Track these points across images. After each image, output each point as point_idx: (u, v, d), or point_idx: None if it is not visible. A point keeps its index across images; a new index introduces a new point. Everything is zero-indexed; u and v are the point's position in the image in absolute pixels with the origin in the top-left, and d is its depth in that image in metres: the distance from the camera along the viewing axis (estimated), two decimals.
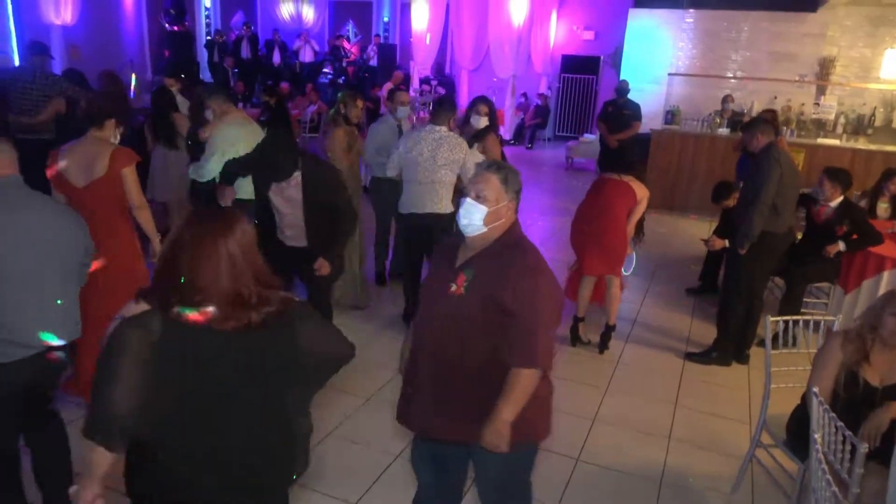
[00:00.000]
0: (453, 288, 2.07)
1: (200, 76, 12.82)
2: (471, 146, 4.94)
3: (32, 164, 3.32)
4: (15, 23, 10.39)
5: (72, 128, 3.44)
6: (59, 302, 2.36)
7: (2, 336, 2.19)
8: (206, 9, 14.40)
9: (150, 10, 12.80)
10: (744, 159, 6.57)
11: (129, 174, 3.30)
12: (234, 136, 4.30)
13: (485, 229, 2.08)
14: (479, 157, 4.90)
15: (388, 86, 10.88)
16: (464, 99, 12.70)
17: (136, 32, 12.73)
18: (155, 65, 12.48)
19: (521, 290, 2.00)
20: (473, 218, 2.07)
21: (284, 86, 12.19)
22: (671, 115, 9.68)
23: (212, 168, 4.39)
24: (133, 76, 10.22)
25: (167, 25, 12.47)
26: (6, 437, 2.37)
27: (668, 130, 9.28)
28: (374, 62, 15.00)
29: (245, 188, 4.43)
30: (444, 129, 4.42)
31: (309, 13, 16.21)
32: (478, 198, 2.07)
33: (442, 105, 4.64)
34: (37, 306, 2.27)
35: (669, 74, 10.37)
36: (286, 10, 16.14)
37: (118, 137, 3.44)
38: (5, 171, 2.22)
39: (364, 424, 3.56)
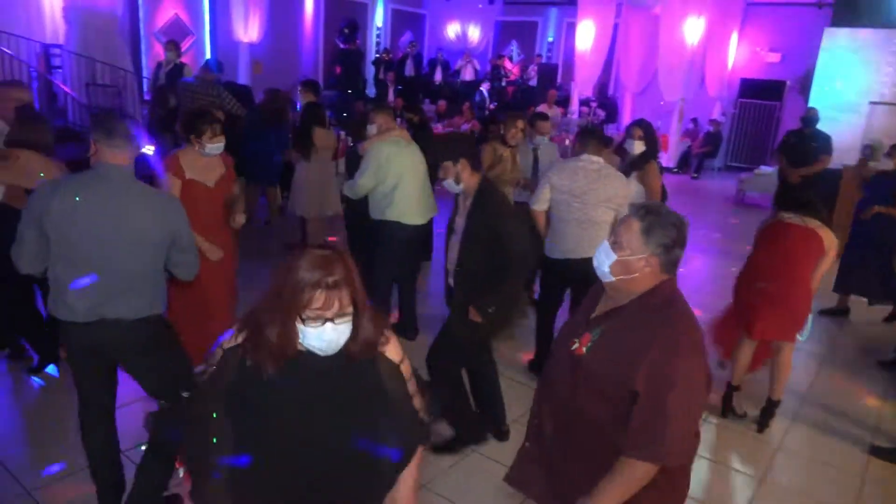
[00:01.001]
0: (576, 345, 1.84)
1: (366, 92, 13.40)
2: (627, 175, 4.40)
3: None
4: (210, 39, 11.58)
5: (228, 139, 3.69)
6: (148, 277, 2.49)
7: (64, 299, 2.40)
8: (378, 28, 15.03)
9: (327, 30, 13.64)
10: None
11: (170, 188, 3.39)
12: (388, 154, 4.22)
13: (612, 279, 1.82)
14: (638, 188, 4.37)
15: (544, 106, 10.51)
16: (626, 122, 12.00)
17: (312, 50, 13.64)
18: (326, 80, 13.21)
19: (658, 372, 1.65)
20: (602, 263, 1.84)
21: (442, 104, 12.29)
22: (870, 150, 8.29)
23: (364, 184, 4.29)
24: (299, 90, 10.80)
25: (341, 44, 13.16)
26: (91, 389, 2.60)
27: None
28: (533, 82, 14.73)
29: (393, 210, 4.27)
30: (601, 160, 3.84)
31: (475, 33, 16.36)
32: (614, 243, 1.83)
33: (593, 134, 4.01)
34: (104, 280, 2.38)
35: (871, 103, 8.99)
36: (452, 31, 16.43)
37: (205, 149, 3.49)
38: (118, 160, 2.39)
39: (459, 483, 3.16)
